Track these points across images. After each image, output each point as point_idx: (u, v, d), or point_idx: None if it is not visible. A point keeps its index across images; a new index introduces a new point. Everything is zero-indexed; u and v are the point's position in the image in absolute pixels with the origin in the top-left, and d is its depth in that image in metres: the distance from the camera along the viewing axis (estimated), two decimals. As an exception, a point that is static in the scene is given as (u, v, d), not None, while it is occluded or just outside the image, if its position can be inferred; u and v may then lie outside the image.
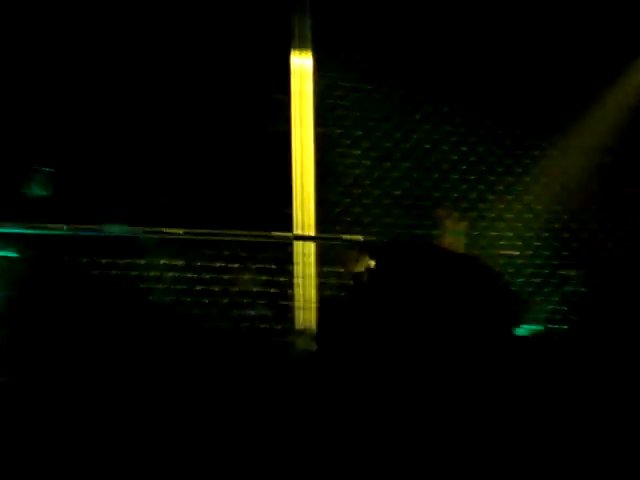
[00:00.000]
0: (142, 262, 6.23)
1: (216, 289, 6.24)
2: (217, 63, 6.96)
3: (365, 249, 6.30)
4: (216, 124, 7.35)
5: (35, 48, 7.17)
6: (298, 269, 6.22)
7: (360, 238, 6.26)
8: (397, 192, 6.85)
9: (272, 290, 6.23)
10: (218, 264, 6.24)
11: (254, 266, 6.18)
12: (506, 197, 7.15)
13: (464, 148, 7.08)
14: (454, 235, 6.90)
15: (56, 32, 7.16)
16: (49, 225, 6.21)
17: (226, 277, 6.23)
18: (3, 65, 7.05)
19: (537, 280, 7.11)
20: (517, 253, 7.08)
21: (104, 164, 7.23)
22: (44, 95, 7.08)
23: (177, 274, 6.30)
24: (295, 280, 6.22)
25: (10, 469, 2.17)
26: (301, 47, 6.45)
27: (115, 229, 6.63)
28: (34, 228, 6.12)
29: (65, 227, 6.09)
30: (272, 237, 6.15)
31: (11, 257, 6.24)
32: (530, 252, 7.14)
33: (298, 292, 6.21)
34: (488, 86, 7.04)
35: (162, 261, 6.84)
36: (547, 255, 7.17)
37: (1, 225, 6.13)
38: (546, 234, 7.20)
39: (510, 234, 7.14)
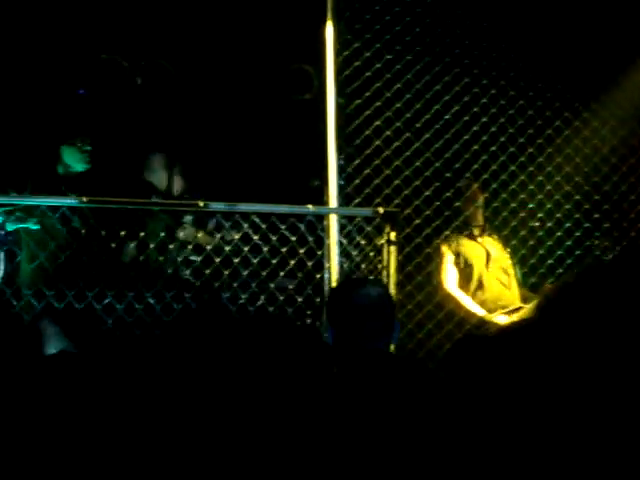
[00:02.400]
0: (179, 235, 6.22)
1: (236, 261, 6.22)
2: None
3: (386, 220, 6.27)
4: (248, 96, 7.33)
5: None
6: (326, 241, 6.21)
7: (382, 210, 6.22)
8: (418, 163, 6.81)
9: (304, 262, 6.21)
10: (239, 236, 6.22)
11: (276, 238, 6.15)
12: (529, 167, 7.11)
13: (485, 119, 7.03)
14: (475, 206, 6.89)
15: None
16: (68, 197, 6.20)
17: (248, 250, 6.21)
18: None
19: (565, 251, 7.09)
20: (537, 224, 7.04)
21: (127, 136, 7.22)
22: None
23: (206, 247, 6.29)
24: (320, 252, 6.19)
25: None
26: (325, 17, 6.41)
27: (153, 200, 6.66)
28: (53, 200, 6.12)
29: (85, 199, 6.07)
30: (303, 210, 6.11)
31: (33, 229, 6.26)
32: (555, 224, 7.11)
33: (326, 265, 6.19)
34: (511, 55, 6.98)
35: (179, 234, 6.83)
36: (575, 227, 7.14)
37: (22, 198, 6.14)
38: (569, 205, 7.16)
39: (531, 205, 7.10)
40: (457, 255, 6.75)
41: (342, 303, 3.26)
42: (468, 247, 6.79)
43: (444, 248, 6.77)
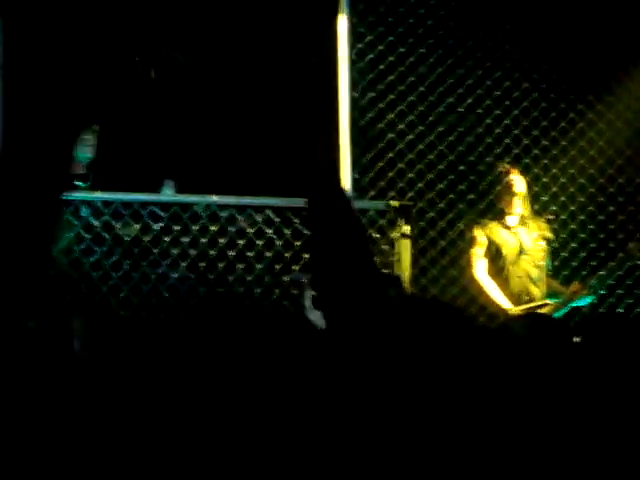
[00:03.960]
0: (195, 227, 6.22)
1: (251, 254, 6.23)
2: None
3: (400, 214, 6.27)
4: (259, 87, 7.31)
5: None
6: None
7: (396, 204, 6.23)
8: (431, 156, 6.80)
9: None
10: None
11: (289, 232, 6.15)
12: (542, 160, 7.09)
13: (498, 111, 7.01)
14: (512, 194, 6.66)
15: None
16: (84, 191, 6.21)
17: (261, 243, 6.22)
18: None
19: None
20: (552, 217, 7.00)
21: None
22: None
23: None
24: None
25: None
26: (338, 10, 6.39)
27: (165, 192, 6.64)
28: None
29: (99, 193, 6.08)
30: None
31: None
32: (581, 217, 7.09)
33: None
34: (524, 48, 6.96)
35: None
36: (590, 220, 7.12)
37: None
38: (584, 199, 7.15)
39: (545, 198, 7.09)
40: (489, 242, 6.53)
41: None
42: (501, 236, 6.55)
43: (477, 233, 6.54)
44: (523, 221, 6.57)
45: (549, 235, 6.65)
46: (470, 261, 6.51)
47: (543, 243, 6.60)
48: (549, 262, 6.68)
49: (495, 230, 6.54)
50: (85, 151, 6.62)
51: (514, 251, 6.48)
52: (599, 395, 2.73)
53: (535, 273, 6.51)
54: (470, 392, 2.31)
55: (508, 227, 6.56)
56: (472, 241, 6.54)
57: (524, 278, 6.49)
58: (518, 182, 6.57)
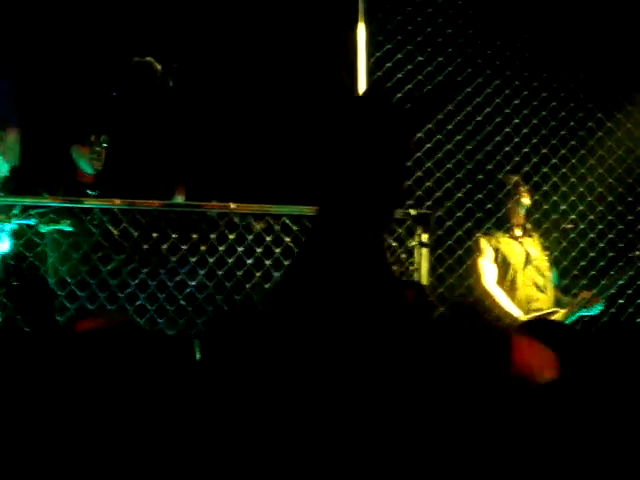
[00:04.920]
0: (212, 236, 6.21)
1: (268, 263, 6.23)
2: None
3: (418, 222, 6.26)
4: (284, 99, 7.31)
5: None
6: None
7: (414, 212, 6.21)
8: (450, 165, 6.80)
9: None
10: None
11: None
12: (561, 169, 7.07)
13: (517, 120, 7.00)
14: (517, 204, 6.75)
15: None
16: (102, 200, 6.22)
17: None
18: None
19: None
20: (571, 226, 7.00)
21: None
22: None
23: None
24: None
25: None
26: (357, 19, 6.40)
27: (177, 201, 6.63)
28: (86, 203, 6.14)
29: (118, 201, 6.09)
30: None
31: (66, 231, 6.27)
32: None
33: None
34: (543, 56, 6.95)
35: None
36: (608, 229, 7.09)
37: (55, 200, 6.16)
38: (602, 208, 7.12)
39: (564, 207, 7.07)
40: (496, 252, 6.63)
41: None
42: (508, 245, 6.65)
43: (483, 243, 6.64)
44: (528, 232, 6.70)
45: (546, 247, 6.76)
46: (478, 271, 6.60)
47: (547, 252, 6.72)
48: (554, 273, 6.76)
49: (502, 240, 6.65)
50: (88, 164, 6.57)
51: (520, 260, 6.60)
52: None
53: (541, 281, 6.62)
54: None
55: (515, 237, 6.68)
56: (478, 251, 6.63)
57: (530, 286, 6.59)
58: (525, 194, 6.70)
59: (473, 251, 6.76)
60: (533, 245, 6.72)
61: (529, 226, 6.81)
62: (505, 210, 6.74)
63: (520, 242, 6.69)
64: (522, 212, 6.75)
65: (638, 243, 7.13)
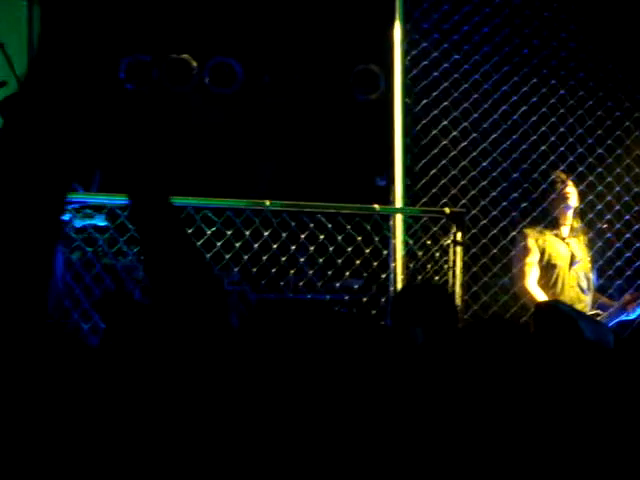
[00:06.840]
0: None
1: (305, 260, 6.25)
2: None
3: (452, 221, 6.26)
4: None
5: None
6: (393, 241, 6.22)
7: (449, 211, 6.22)
8: (485, 163, 6.79)
9: (369, 262, 6.21)
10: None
11: (341, 238, 6.16)
12: (597, 168, 7.03)
13: (553, 119, 6.97)
14: (564, 205, 6.66)
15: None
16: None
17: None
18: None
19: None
20: (606, 226, 6.95)
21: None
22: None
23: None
24: (385, 252, 6.20)
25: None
26: (393, 17, 6.42)
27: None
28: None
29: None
30: (370, 209, 6.12)
31: (99, 226, 6.31)
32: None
33: (391, 265, 6.20)
34: (580, 56, 6.93)
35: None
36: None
37: (89, 195, 6.20)
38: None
39: (599, 206, 7.03)
40: (542, 253, 6.53)
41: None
42: (553, 246, 6.55)
43: (531, 242, 6.55)
44: (575, 232, 6.59)
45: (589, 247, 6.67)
46: (522, 270, 6.51)
47: (590, 254, 6.62)
48: (594, 275, 6.70)
49: (548, 240, 6.55)
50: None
51: (566, 262, 6.49)
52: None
53: (585, 284, 6.52)
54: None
55: (561, 237, 6.57)
56: (525, 250, 6.53)
57: (576, 288, 6.49)
58: (573, 193, 6.60)
59: (512, 245, 6.69)
60: (579, 246, 6.60)
61: (576, 225, 6.71)
62: (551, 208, 6.63)
63: (567, 243, 6.58)
64: (569, 212, 6.63)
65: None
